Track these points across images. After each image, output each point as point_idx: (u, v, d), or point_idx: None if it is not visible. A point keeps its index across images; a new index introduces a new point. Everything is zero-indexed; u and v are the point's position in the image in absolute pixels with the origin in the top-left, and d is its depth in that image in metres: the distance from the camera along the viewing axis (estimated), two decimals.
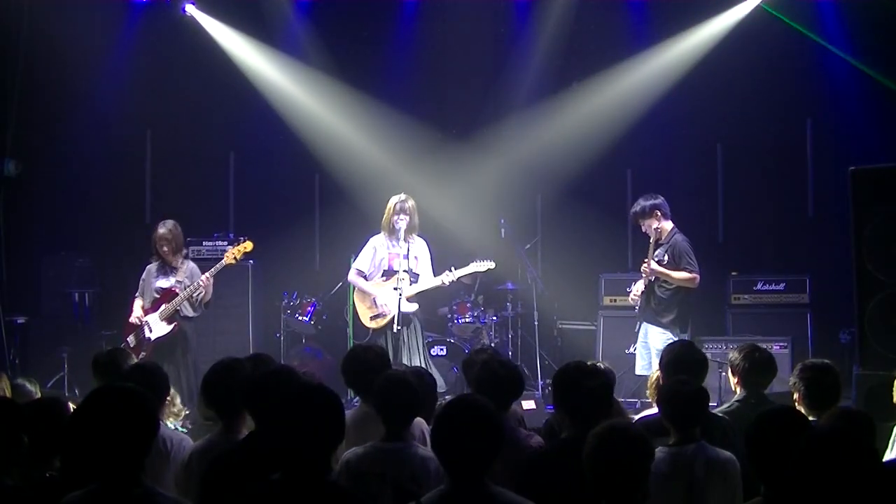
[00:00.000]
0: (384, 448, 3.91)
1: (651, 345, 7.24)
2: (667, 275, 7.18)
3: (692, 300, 7.36)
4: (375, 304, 7.73)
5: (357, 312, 7.97)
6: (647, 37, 9.72)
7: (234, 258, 7.81)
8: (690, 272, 7.17)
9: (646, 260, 7.27)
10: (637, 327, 7.54)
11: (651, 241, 7.37)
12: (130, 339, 7.59)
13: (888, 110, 9.09)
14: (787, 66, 9.58)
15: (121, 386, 3.23)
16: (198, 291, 7.54)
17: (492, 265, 7.72)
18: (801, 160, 9.76)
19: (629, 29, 9.88)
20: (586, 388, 3.86)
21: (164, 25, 9.99)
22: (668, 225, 7.37)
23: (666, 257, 7.26)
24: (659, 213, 7.33)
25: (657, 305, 7.28)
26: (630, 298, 7.78)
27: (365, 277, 7.81)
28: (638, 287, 7.48)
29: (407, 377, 4.17)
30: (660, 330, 7.22)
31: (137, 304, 7.69)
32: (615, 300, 9.23)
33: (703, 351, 6.28)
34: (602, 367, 5.20)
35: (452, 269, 7.78)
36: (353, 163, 10.01)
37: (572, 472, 3.43)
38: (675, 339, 7.03)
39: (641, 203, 7.38)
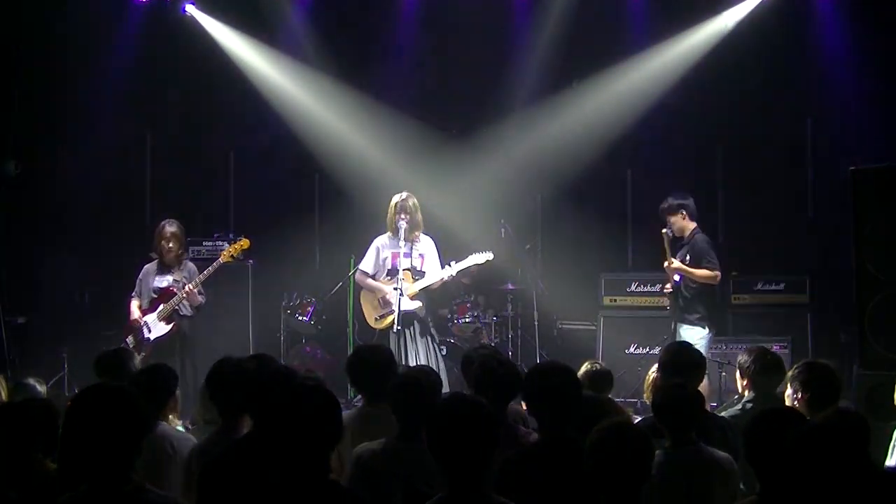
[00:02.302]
0: (398, 447, 3.90)
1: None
2: (689, 272, 7.38)
3: (715, 298, 7.66)
4: (380, 304, 7.73)
5: (363, 313, 7.96)
6: (647, 36, 9.72)
7: (232, 256, 7.80)
8: (711, 270, 7.41)
9: (669, 259, 7.39)
10: (672, 327, 7.70)
11: (665, 242, 7.54)
12: (129, 340, 7.57)
13: (888, 110, 9.07)
14: (787, 65, 9.57)
15: (109, 385, 3.22)
16: (189, 297, 7.50)
17: (490, 256, 7.72)
18: (801, 160, 9.76)
19: (629, 28, 9.88)
20: (545, 387, 3.82)
21: (164, 25, 9.99)
22: (690, 225, 7.61)
23: (687, 257, 7.47)
24: (684, 213, 7.60)
25: (684, 304, 7.49)
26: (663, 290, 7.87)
27: (372, 279, 7.81)
28: (667, 287, 7.65)
29: (416, 378, 4.16)
30: (688, 327, 7.44)
31: (134, 305, 7.66)
32: (615, 300, 9.23)
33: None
34: (596, 367, 5.22)
35: (452, 263, 7.79)
36: (353, 163, 10.01)
37: (539, 476, 3.44)
38: (708, 335, 7.39)
39: (670, 201, 7.64)
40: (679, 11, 9.61)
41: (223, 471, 3.55)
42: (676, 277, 7.53)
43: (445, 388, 6.51)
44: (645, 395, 5.25)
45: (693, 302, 7.46)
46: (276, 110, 10.10)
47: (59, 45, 9.48)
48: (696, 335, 7.31)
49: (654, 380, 5.07)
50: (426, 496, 3.25)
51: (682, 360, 4.76)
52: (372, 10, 10.31)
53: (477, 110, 10.14)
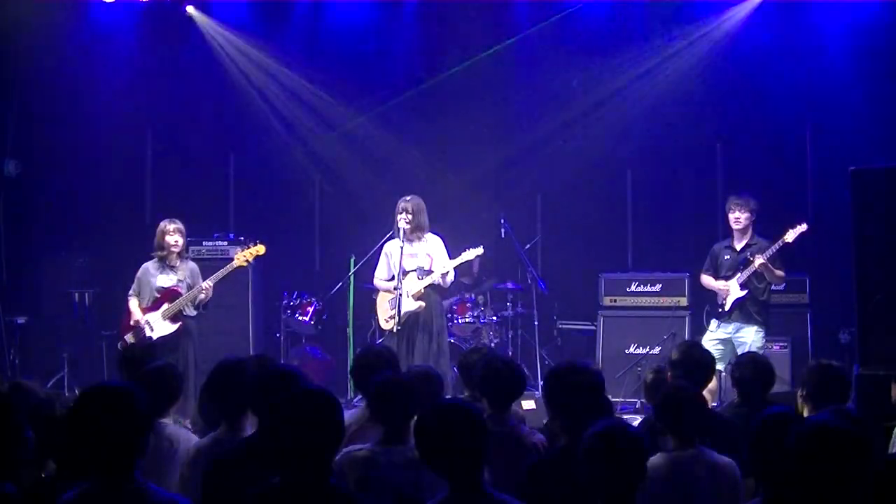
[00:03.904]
0: (386, 451, 3.86)
1: (750, 343, 7.47)
2: (772, 271, 7.55)
3: None
4: (389, 305, 7.74)
5: (377, 316, 7.98)
6: (648, 37, 9.72)
7: (246, 261, 7.79)
8: (783, 271, 7.64)
9: (759, 255, 7.53)
10: (710, 322, 7.78)
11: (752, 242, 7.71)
12: (128, 337, 7.54)
13: (888, 110, 9.07)
14: (787, 66, 9.57)
15: (112, 384, 3.23)
16: (201, 295, 7.52)
17: (480, 251, 7.72)
18: (801, 160, 9.75)
19: (629, 29, 9.87)
20: (573, 386, 3.81)
21: (164, 25, 9.99)
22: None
23: (757, 256, 7.60)
24: (755, 214, 7.76)
25: (755, 306, 7.62)
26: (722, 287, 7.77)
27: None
28: (733, 286, 7.61)
29: (398, 379, 4.13)
30: (756, 328, 7.56)
31: (135, 304, 7.63)
32: (615, 300, 9.22)
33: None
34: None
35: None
36: (353, 163, 10.01)
37: (572, 479, 3.43)
38: (765, 336, 7.55)
39: (752, 201, 7.75)
40: (680, 12, 9.61)
41: (227, 472, 3.55)
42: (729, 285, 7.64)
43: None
44: (645, 398, 5.24)
45: (763, 304, 7.65)
46: (276, 110, 10.09)
47: (60, 45, 9.47)
48: (761, 336, 7.55)
49: (652, 381, 5.08)
50: (418, 501, 3.24)
51: (693, 359, 4.75)
52: (372, 8, 10.30)
53: (476, 109, 10.14)
